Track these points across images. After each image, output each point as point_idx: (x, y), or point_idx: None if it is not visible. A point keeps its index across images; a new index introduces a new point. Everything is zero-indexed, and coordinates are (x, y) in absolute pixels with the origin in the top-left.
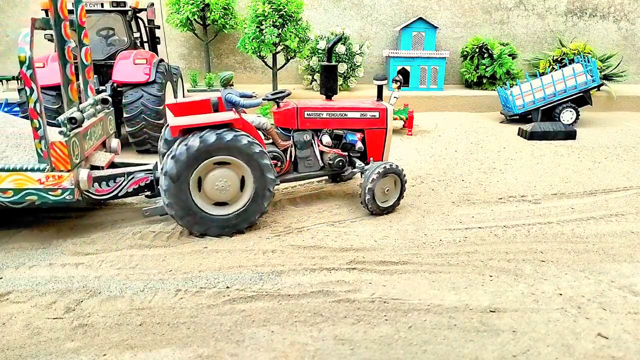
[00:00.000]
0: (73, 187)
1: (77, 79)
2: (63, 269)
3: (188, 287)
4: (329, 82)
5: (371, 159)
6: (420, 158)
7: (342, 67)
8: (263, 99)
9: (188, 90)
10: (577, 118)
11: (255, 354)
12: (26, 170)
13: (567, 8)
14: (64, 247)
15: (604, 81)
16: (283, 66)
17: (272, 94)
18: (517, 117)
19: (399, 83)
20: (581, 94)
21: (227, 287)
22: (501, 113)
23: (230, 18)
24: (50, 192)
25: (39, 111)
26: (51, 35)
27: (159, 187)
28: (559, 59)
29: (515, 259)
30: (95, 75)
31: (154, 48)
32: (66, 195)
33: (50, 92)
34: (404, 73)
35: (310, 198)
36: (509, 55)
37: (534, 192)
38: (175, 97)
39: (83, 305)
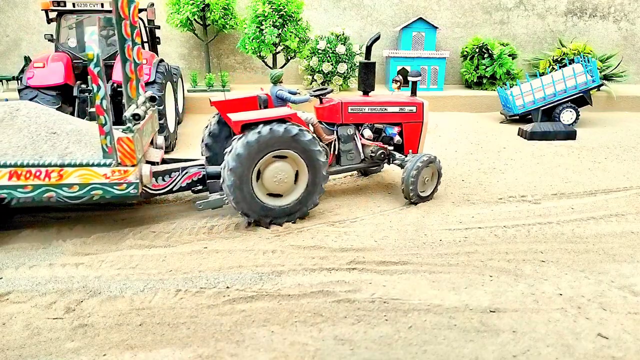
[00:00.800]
0: (138, 181)
1: (77, 79)
2: (63, 269)
3: (188, 287)
4: (368, 78)
5: (410, 151)
6: None
7: (342, 68)
8: (310, 95)
9: (188, 91)
10: (577, 118)
11: (255, 354)
12: (92, 165)
13: (567, 8)
14: (64, 247)
15: (604, 81)
16: (283, 66)
17: (314, 91)
18: (517, 117)
19: (399, 83)
20: (581, 94)
21: (227, 287)
22: (501, 113)
23: (230, 18)
24: (115, 187)
25: (105, 108)
26: (51, 35)
27: (210, 181)
28: (559, 59)
29: (515, 259)
30: None
31: (154, 48)
32: (131, 189)
33: (50, 92)
34: (404, 73)
35: None
36: (509, 55)
37: (534, 192)
38: (175, 97)
39: (83, 305)
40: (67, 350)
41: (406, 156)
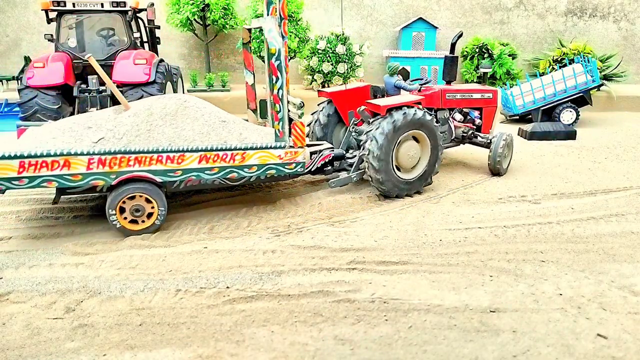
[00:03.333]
0: (305, 160)
1: (77, 79)
2: (63, 269)
3: (188, 287)
4: (452, 70)
5: (490, 131)
6: None
7: (342, 67)
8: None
9: (188, 91)
10: (577, 118)
11: (255, 354)
12: (269, 148)
13: (567, 8)
14: (64, 247)
15: (604, 81)
16: None
17: (411, 80)
18: (517, 117)
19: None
20: (581, 94)
21: (227, 287)
22: (501, 113)
23: (230, 18)
24: (286, 166)
25: (280, 97)
26: (51, 35)
27: (339, 162)
28: (559, 59)
29: (515, 259)
30: (95, 75)
31: (154, 48)
32: (298, 168)
33: (50, 92)
34: (405, 73)
35: (310, 198)
36: (509, 55)
37: (534, 192)
38: None
39: (83, 305)
40: (67, 350)
41: (485, 135)
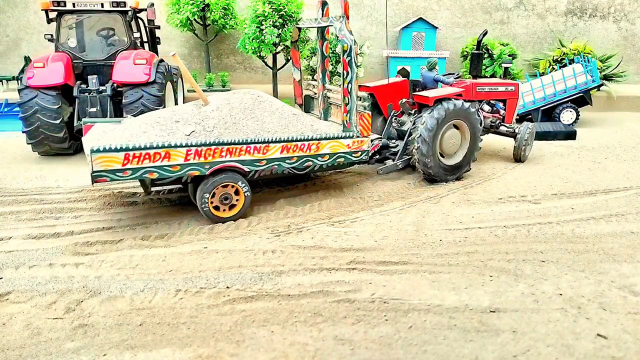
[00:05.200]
0: (369, 149)
1: (77, 79)
2: (63, 269)
3: (188, 287)
4: (478, 65)
5: (513, 121)
6: None
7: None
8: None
9: (188, 91)
10: (577, 118)
11: (255, 354)
12: (339, 137)
13: (567, 8)
14: (64, 247)
15: (604, 81)
16: (283, 66)
17: (444, 75)
18: (517, 117)
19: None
20: (581, 94)
21: (227, 287)
22: None
23: (230, 18)
24: (353, 154)
25: (350, 90)
26: (51, 35)
27: (385, 151)
28: (559, 59)
29: (515, 259)
30: (95, 75)
31: (154, 48)
32: (363, 156)
33: (50, 92)
34: (405, 73)
35: (310, 198)
36: (509, 55)
37: (534, 192)
38: (175, 97)
39: (83, 305)
40: (67, 350)
41: (509, 125)
